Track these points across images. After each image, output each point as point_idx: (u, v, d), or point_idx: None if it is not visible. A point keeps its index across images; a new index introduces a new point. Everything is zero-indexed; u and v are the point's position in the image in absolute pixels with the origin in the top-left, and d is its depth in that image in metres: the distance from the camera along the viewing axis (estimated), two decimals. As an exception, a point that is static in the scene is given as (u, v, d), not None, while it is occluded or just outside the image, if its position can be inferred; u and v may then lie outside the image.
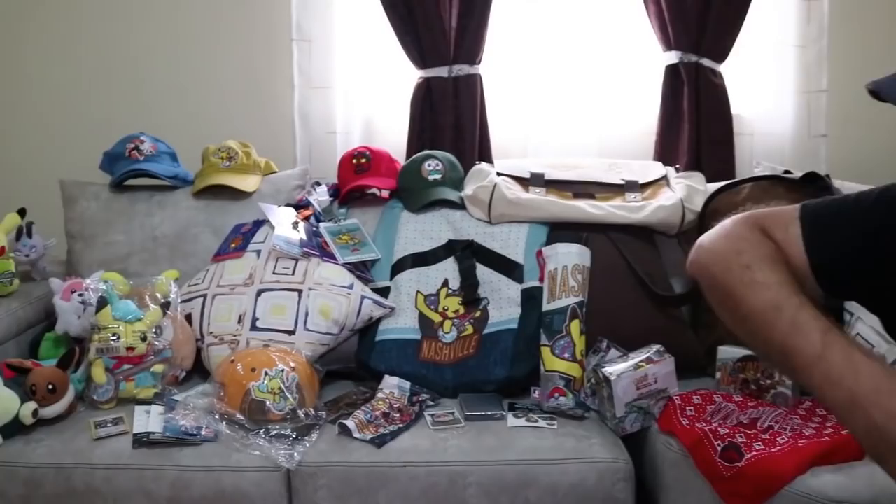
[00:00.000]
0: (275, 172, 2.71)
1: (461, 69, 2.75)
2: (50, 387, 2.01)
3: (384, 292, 2.32)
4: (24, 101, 3.10)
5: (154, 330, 2.18)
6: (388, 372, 2.15)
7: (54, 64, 3.07)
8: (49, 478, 1.90)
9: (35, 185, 2.82)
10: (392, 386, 2.11)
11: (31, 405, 1.99)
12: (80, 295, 2.25)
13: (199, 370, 2.28)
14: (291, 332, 2.19)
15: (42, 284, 2.41)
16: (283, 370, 2.03)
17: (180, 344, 2.24)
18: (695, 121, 2.71)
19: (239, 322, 2.23)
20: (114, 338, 2.11)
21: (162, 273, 2.41)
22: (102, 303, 2.16)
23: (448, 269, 2.34)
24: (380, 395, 2.09)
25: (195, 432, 1.95)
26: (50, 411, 2.02)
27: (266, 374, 2.02)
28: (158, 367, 2.16)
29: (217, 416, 2.00)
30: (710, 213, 2.30)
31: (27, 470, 1.91)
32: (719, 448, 1.72)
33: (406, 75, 2.84)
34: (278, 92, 2.94)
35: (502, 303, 2.24)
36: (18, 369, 2.04)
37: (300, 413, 1.99)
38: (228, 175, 2.59)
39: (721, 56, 2.72)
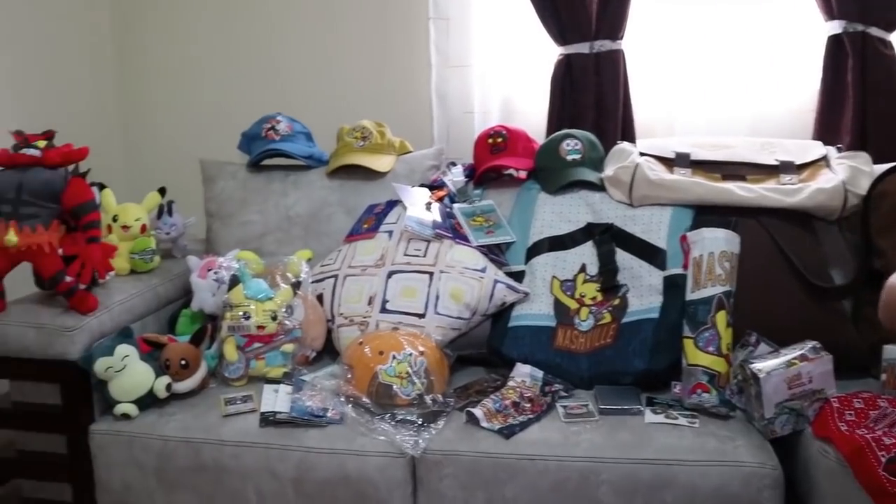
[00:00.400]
0: (409, 152, 2.66)
1: (603, 45, 2.62)
2: (183, 362, 2.03)
3: (518, 276, 2.23)
4: (166, 84, 3.18)
5: (285, 309, 2.16)
6: (521, 359, 2.06)
7: (194, 46, 3.13)
8: (180, 451, 1.92)
9: (178, 164, 2.89)
10: (524, 374, 2.02)
11: (165, 379, 2.01)
12: (216, 273, 2.27)
13: (329, 351, 2.26)
14: (421, 316, 2.13)
15: (182, 262, 2.44)
16: (411, 354, 1.98)
17: (311, 324, 2.22)
18: (860, 96, 2.47)
19: (369, 304, 2.19)
20: (245, 316, 2.12)
21: (295, 253, 2.41)
22: (235, 281, 2.16)
23: (586, 254, 2.23)
24: (511, 383, 2.01)
25: (321, 414, 1.92)
26: (183, 386, 2.04)
27: (394, 357, 1.97)
28: (288, 347, 2.14)
29: (343, 399, 1.97)
30: (877, 197, 2.09)
31: (160, 442, 1.94)
32: (884, 460, 1.54)
33: (545, 53, 2.73)
34: (415, 71, 2.90)
35: (643, 290, 2.11)
36: (154, 344, 2.07)
37: (427, 399, 1.93)
38: (362, 155, 2.56)
39: (891, 25, 2.47)
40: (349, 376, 2.00)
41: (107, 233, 2.35)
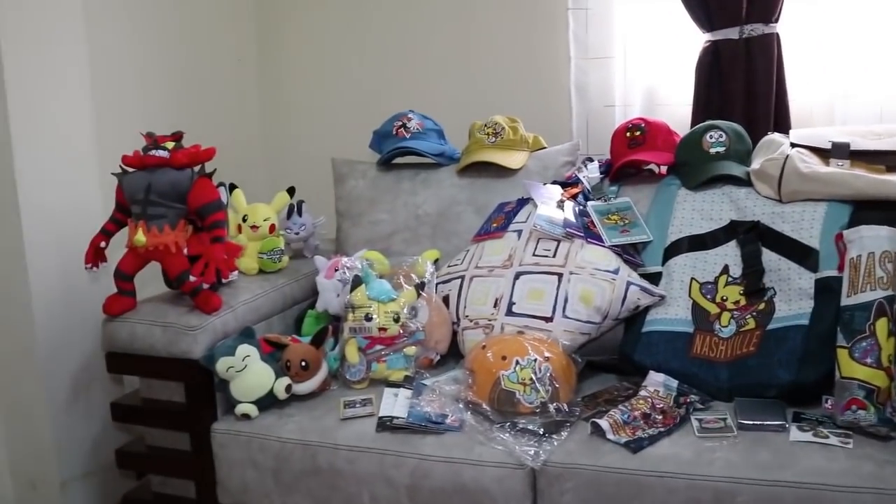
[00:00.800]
0: (543, 148, 2.55)
1: (754, 29, 2.41)
2: (303, 363, 1.99)
3: (654, 278, 2.07)
4: (298, 83, 3.20)
5: (408, 311, 2.10)
6: (654, 367, 1.91)
7: (324, 43, 3.13)
8: (297, 454, 1.88)
9: (316, 163, 2.88)
10: (657, 383, 1.87)
11: (285, 380, 1.98)
12: (342, 273, 2.23)
13: (454, 354, 2.17)
14: (549, 319, 2.01)
15: (311, 262, 2.42)
16: (535, 360, 1.86)
17: (435, 326, 2.15)
18: None
19: (495, 306, 2.09)
20: (367, 318, 2.06)
21: (422, 253, 2.35)
22: (357, 282, 2.11)
23: (729, 254, 2.04)
24: (642, 392, 1.86)
25: (439, 420, 1.84)
26: (302, 388, 2.00)
27: (517, 363, 1.86)
28: (410, 350, 2.08)
29: (463, 405, 1.87)
30: None
31: (278, 444, 1.91)
32: None
33: (691, 40, 2.55)
34: (553, 64, 2.78)
35: (791, 294, 1.91)
36: (276, 345, 2.05)
37: (551, 407, 1.81)
38: (493, 151, 2.46)
39: None
40: (470, 381, 1.91)
41: (236, 232, 2.37)
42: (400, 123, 2.58)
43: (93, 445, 2.40)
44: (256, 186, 2.51)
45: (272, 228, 2.38)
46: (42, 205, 2.22)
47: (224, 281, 2.05)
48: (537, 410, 1.81)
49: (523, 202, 2.31)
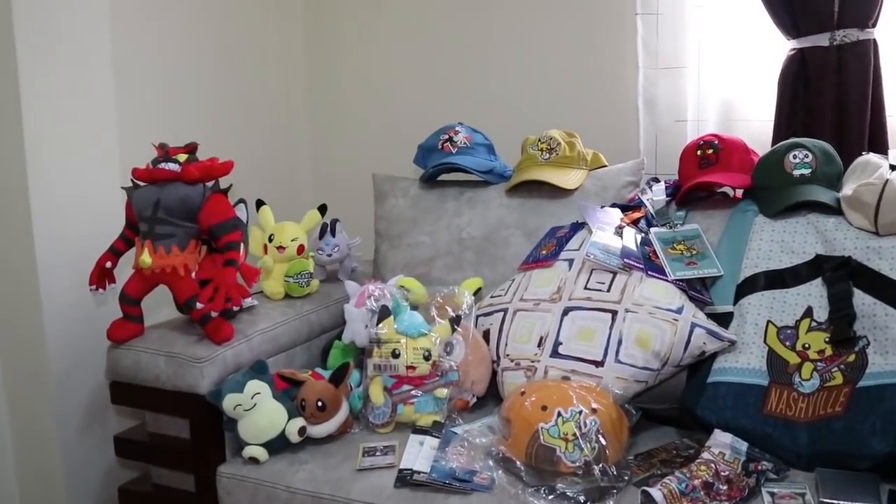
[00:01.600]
0: (604, 167, 2.29)
1: (847, 35, 2.11)
2: (319, 404, 1.77)
3: (724, 320, 1.79)
4: (340, 95, 3.01)
5: (441, 348, 1.87)
6: (720, 425, 1.64)
7: (374, 48, 2.94)
8: (306, 507, 1.67)
9: (361, 179, 2.67)
10: (723, 445, 1.59)
11: (299, 422, 1.77)
12: (375, 301, 2.01)
13: (493, 396, 1.93)
14: (599, 363, 1.75)
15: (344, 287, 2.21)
16: (581, 412, 1.60)
17: (472, 365, 1.91)
18: None
19: (539, 345, 1.84)
20: (394, 354, 1.84)
21: (463, 281, 2.11)
22: (385, 313, 1.89)
23: (813, 294, 1.75)
24: (705, 455, 1.58)
25: (466, 478, 1.59)
26: (318, 430, 1.79)
27: (559, 414, 1.60)
28: (442, 392, 1.84)
29: (495, 461, 1.63)
30: None
31: (286, 494, 1.70)
32: None
33: (773, 48, 2.26)
34: (619, 74, 2.55)
35: (889, 345, 1.61)
36: (291, 381, 1.84)
37: (596, 469, 1.54)
38: (547, 169, 2.22)
39: None
40: (506, 432, 1.66)
41: (262, 253, 2.17)
42: (446, 137, 2.35)
43: (104, 478, 2.23)
44: (303, 206, 2.32)
45: (300, 250, 2.17)
46: (56, 224, 2.07)
47: (236, 309, 1.85)
48: (580, 472, 1.55)
49: (577, 227, 2.06)
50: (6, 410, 2.17)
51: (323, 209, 2.25)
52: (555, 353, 1.81)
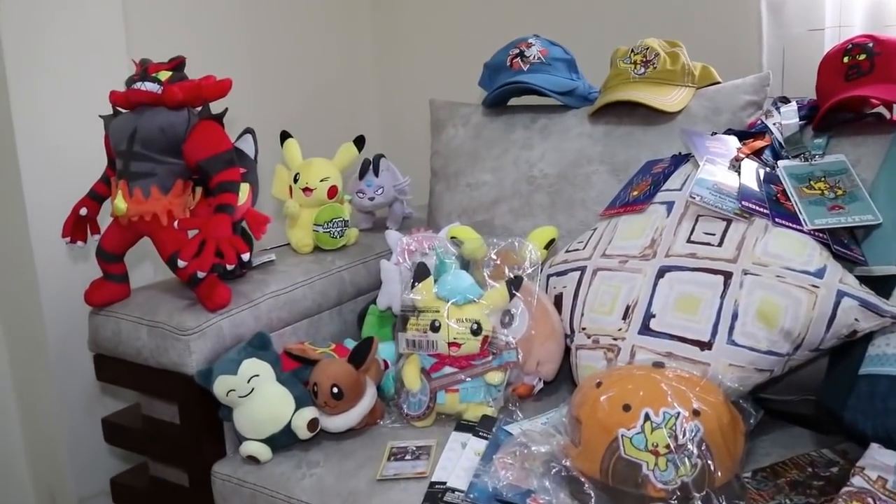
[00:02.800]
0: (716, 83, 1.78)
1: None
2: (335, 390, 1.37)
3: (884, 286, 1.29)
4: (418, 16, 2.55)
5: (497, 318, 1.43)
6: (880, 437, 1.15)
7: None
8: (308, 528, 1.28)
9: (412, 107, 2.25)
10: (883, 467, 1.11)
11: (308, 413, 1.37)
12: (413, 256, 1.59)
13: (567, 378, 1.50)
14: (706, 345, 1.29)
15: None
16: (678, 414, 1.14)
17: (537, 341, 1.47)
18: None
19: (625, 317, 1.38)
20: (433, 326, 1.41)
21: (533, 230, 1.66)
22: (422, 272, 1.46)
23: None
24: (856, 480, 1.10)
25: (515, 499, 1.17)
26: (334, 423, 1.39)
27: (647, 417, 1.15)
28: (495, 376, 1.41)
29: (558, 477, 1.19)
30: None
31: (287, 507, 1.31)
32: None
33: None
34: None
35: None
36: (301, 359, 1.44)
37: (696, 497, 1.10)
38: (642, 87, 1.73)
39: None
40: (576, 437, 1.22)
41: (287, 196, 1.77)
42: (516, 52, 1.88)
43: (113, 460, 1.91)
44: (372, 141, 1.93)
45: (332, 192, 1.76)
46: (49, 199, 1.73)
47: (230, 267, 1.44)
48: (675, 497, 1.11)
49: (680, 160, 1.57)
50: (11, 391, 1.89)
51: (360, 142, 1.82)
52: (645, 329, 1.35)
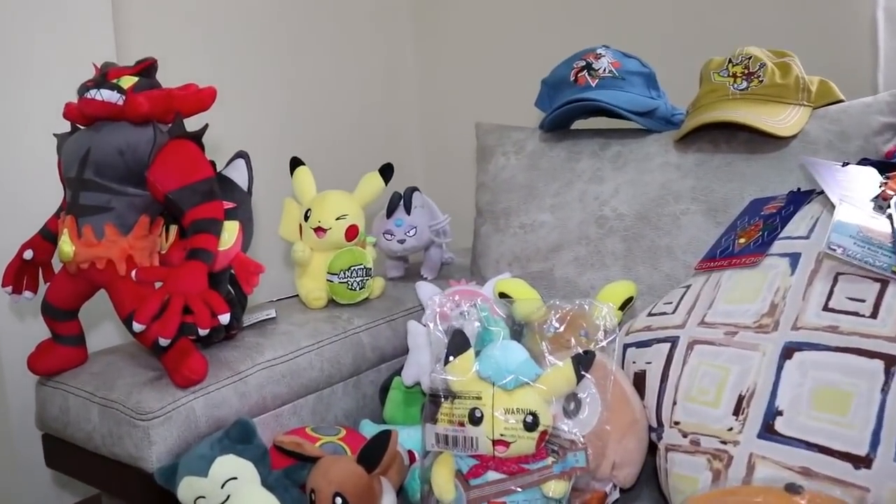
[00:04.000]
0: (839, 102, 1.40)
1: None
2: (339, 501, 1.01)
3: None
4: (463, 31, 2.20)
5: (563, 406, 1.07)
6: None
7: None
8: None
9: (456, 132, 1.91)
10: None
11: (301, 533, 1.01)
12: (447, 319, 1.23)
13: (649, 484, 1.12)
14: (862, 461, 0.90)
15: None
16: (832, 569, 0.76)
17: (614, 436, 1.10)
18: None
19: (737, 412, 1.00)
20: (473, 416, 1.04)
21: (604, 287, 1.29)
22: (460, 344, 1.09)
23: None
24: None
25: None
26: (337, 549, 1.02)
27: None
28: (557, 487, 1.03)
29: None
30: None
31: None
32: None
33: None
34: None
35: None
36: (296, 455, 1.08)
37: None
38: (744, 106, 1.36)
39: None
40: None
41: (297, 238, 1.43)
42: (582, 64, 1.53)
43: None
44: (416, 174, 1.61)
45: (352, 232, 1.41)
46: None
47: (202, 332, 1.08)
48: None
49: (800, 199, 1.20)
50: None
51: (388, 171, 1.48)
52: (768, 432, 0.96)
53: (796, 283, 1.06)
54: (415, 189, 1.54)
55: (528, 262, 1.45)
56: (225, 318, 1.06)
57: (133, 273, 1.07)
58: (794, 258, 1.09)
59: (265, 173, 1.42)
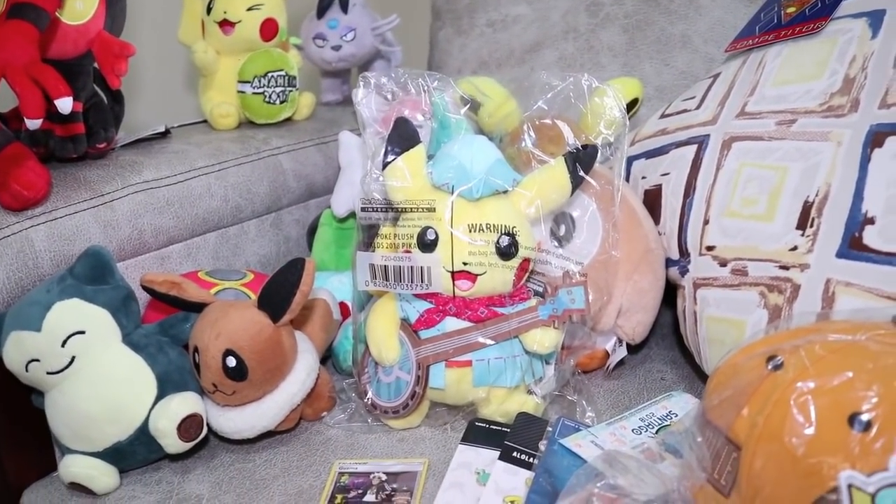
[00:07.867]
0: None
1: None
2: (231, 361, 0.70)
3: None
4: None
5: (554, 226, 0.77)
6: None
7: None
8: None
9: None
10: None
11: (182, 403, 0.71)
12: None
13: (668, 342, 0.83)
14: None
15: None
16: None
17: (622, 270, 0.80)
18: None
19: (804, 224, 0.70)
20: (423, 239, 0.73)
21: (606, 83, 0.97)
22: (406, 136, 0.76)
23: None
24: None
25: None
26: (230, 424, 0.73)
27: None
28: (545, 338, 0.73)
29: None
30: None
31: None
32: None
33: None
34: None
35: None
36: (174, 301, 0.77)
37: None
38: None
39: None
40: (724, 475, 0.55)
41: (198, 37, 1.09)
42: None
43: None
44: None
45: (269, 28, 1.07)
46: None
47: (31, 125, 0.75)
48: None
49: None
50: None
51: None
52: (853, 248, 0.67)
53: (882, 48, 0.75)
54: (353, -16, 1.20)
55: (497, 67, 1.13)
56: (65, 104, 0.73)
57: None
58: (876, 17, 0.78)
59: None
